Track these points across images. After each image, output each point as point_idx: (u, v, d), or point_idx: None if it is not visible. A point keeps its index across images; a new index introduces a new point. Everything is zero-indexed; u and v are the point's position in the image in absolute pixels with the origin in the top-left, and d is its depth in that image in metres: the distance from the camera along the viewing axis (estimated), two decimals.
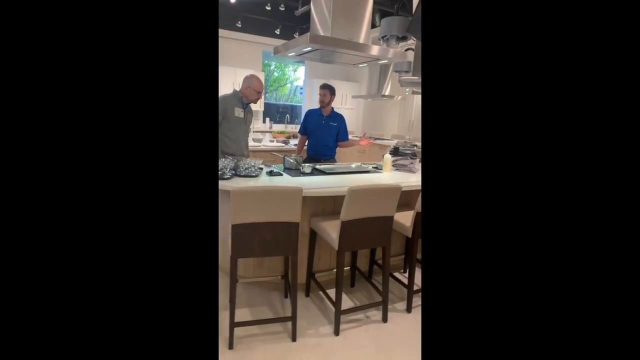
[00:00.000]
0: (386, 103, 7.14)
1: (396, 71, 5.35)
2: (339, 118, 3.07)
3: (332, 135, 3.04)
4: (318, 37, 1.90)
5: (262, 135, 5.29)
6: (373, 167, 2.67)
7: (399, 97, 5.88)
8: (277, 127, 7.09)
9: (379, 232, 1.78)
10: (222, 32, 5.97)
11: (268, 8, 5.19)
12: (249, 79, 2.53)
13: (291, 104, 9.73)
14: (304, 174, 2.26)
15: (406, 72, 5.19)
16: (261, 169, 2.24)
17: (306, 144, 3.16)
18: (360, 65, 2.56)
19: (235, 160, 2.15)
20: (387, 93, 5.67)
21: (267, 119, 7.09)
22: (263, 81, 6.63)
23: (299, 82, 9.91)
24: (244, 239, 1.56)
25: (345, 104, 7.66)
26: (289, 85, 10.59)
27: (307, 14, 5.46)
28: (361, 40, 2.14)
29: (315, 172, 2.32)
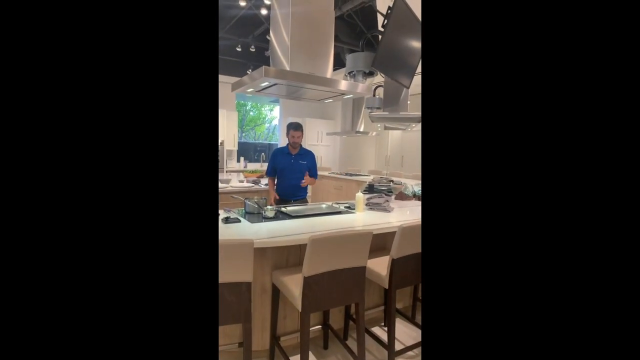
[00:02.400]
0: (362, 139, 7.15)
1: (367, 107, 5.38)
2: (309, 155, 2.91)
3: (302, 175, 2.85)
4: (272, 70, 1.75)
5: (230, 175, 5.06)
6: (345, 207, 2.46)
7: (374, 133, 5.86)
8: (253, 166, 6.90)
9: (351, 285, 1.53)
10: None
11: (239, 49, 5.20)
12: None
13: (269, 142, 9.66)
14: (267, 218, 2.01)
15: (377, 108, 5.22)
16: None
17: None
18: (327, 101, 2.44)
19: None
20: (361, 129, 5.65)
21: (242, 158, 6.90)
22: (236, 120, 6.55)
23: (275, 121, 9.92)
24: None
25: (321, 141, 7.62)
26: (266, 124, 10.59)
27: None
28: (327, 75, 2.02)
29: (280, 215, 2.08)
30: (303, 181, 2.77)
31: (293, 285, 1.54)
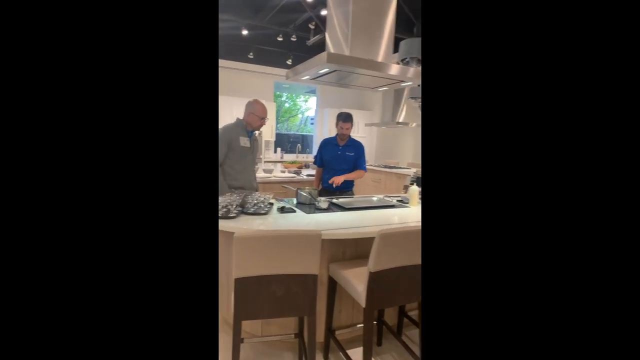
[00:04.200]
0: (400, 130, 6.94)
1: (412, 97, 5.19)
2: (357, 146, 2.82)
3: (349, 166, 2.78)
4: (336, 56, 1.68)
5: (273, 165, 5.08)
6: (397, 201, 2.37)
7: (414, 124, 5.66)
8: (288, 157, 6.92)
9: (415, 283, 1.45)
10: (234, 64, 5.97)
11: (280, 39, 5.17)
12: (252, 105, 2.31)
13: (302, 133, 9.65)
14: (320, 209, 1.97)
15: (420, 97, 5.01)
16: (271, 204, 1.96)
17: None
18: (380, 89, 2.34)
19: (243, 195, 1.88)
20: (401, 120, 5.46)
21: (279, 149, 6.94)
22: (274, 111, 6.57)
23: (309, 112, 9.88)
24: (250, 297, 1.25)
25: (357, 132, 7.48)
26: (299, 115, 10.58)
27: (320, 44, 5.44)
28: (380, 60, 1.92)
29: (333, 207, 2.03)
30: (332, 180, 2.61)
31: (355, 280, 1.49)
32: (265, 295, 1.27)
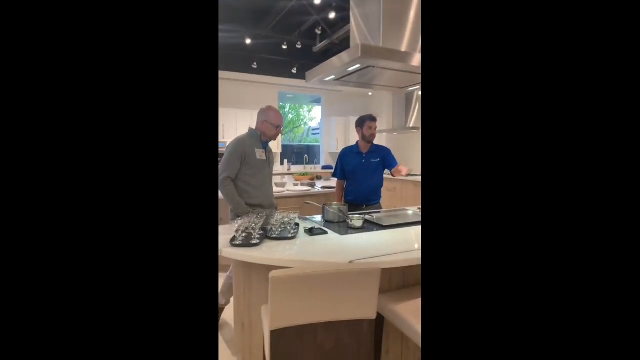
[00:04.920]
0: (411, 136, 6.70)
1: None
2: (381, 150, 2.54)
3: (376, 175, 2.50)
4: (371, 48, 1.43)
5: (284, 178, 4.82)
6: None
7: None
8: (296, 169, 6.67)
9: None
10: (237, 75, 5.78)
11: (284, 47, 4.98)
12: (265, 113, 2.04)
13: (306, 144, 9.44)
14: (354, 228, 1.69)
15: None
16: (297, 225, 1.68)
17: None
18: (410, 89, 2.09)
19: (264, 216, 1.61)
20: (411, 125, 5.22)
21: (285, 161, 6.70)
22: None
23: (312, 122, 9.68)
24: (291, 352, 0.97)
25: (356, 142, 7.25)
26: (303, 126, 10.40)
27: (326, 50, 5.25)
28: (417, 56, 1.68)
29: (368, 225, 1.75)
30: (401, 170, 2.39)
31: (410, 315, 1.20)
32: (310, 349, 0.98)
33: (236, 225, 1.54)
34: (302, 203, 3.30)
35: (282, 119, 2.10)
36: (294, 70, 5.63)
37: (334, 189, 3.53)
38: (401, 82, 1.92)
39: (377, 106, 7.47)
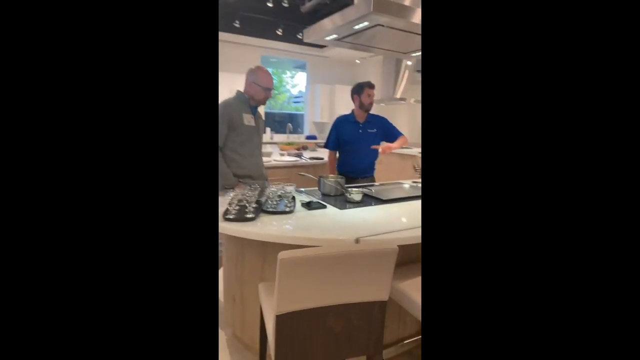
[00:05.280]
0: (395, 107, 6.59)
1: (418, 71, 4.81)
2: (379, 120, 2.43)
3: (375, 144, 2.40)
4: (384, 3, 1.27)
5: (268, 148, 4.65)
6: None
7: (412, 100, 5.32)
8: (278, 138, 6.46)
9: None
10: (219, 35, 5.35)
11: (270, 5, 4.60)
12: (254, 73, 1.83)
13: (289, 112, 9.13)
14: (352, 202, 1.61)
15: None
16: (294, 198, 1.58)
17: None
18: (414, 55, 1.96)
19: (259, 188, 1.49)
20: (398, 95, 5.10)
21: (268, 129, 6.46)
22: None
23: (294, 89, 9.33)
24: (299, 336, 0.90)
25: (349, 110, 7.08)
26: (286, 93, 10.01)
27: (315, 11, 4.91)
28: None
29: (367, 199, 1.67)
30: (380, 149, 2.27)
31: (410, 291, 1.16)
32: (319, 332, 0.91)
33: (229, 198, 1.42)
34: (291, 174, 3.18)
35: (273, 80, 1.92)
36: (280, 32, 5.28)
37: (323, 160, 3.43)
38: (407, 46, 1.78)
39: (364, 75, 7.23)
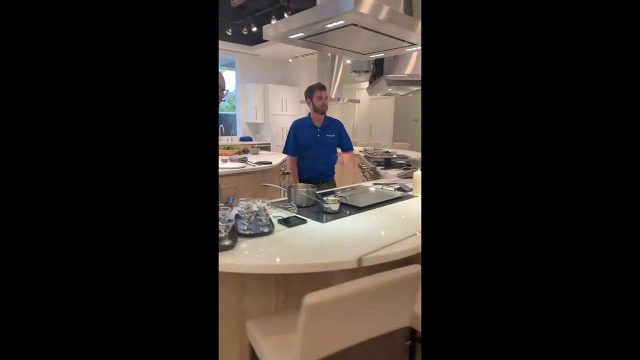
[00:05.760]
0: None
1: (354, 71, 4.88)
2: (336, 125, 2.37)
3: (331, 151, 2.34)
4: (371, 3, 1.18)
5: None
6: (396, 189, 2.04)
7: (345, 100, 5.43)
8: None
9: None
10: None
11: None
12: None
13: (221, 112, 8.58)
14: (330, 213, 1.50)
15: (365, 71, 4.76)
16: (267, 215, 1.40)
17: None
18: (373, 56, 1.92)
19: (228, 207, 1.29)
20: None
21: None
22: None
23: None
24: None
25: (285, 110, 6.95)
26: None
27: (244, 6, 4.63)
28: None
29: (343, 208, 1.58)
30: (341, 160, 2.24)
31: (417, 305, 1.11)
32: None
33: None
34: (238, 182, 2.93)
35: (223, 78, 1.69)
36: (228, 32, 4.88)
37: (272, 165, 3.24)
38: (370, 46, 1.73)
39: (296, 74, 7.15)
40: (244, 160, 3.33)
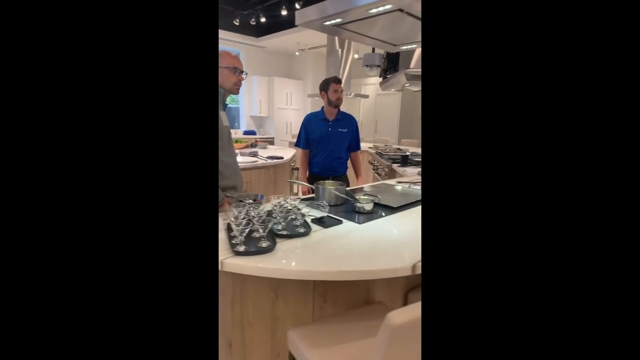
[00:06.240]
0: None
1: (366, 65, 4.78)
2: (349, 121, 2.29)
3: (344, 146, 2.25)
4: None
5: None
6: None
7: (352, 94, 5.33)
8: None
9: None
10: None
11: None
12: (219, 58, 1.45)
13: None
14: (365, 213, 1.41)
15: (377, 66, 4.65)
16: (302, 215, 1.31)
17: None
18: (404, 48, 1.83)
19: (255, 205, 1.19)
20: None
21: None
22: None
23: None
24: None
25: (290, 104, 6.83)
26: None
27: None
28: None
29: (376, 208, 1.49)
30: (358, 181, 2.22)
31: None
32: None
33: (227, 221, 1.10)
34: (251, 177, 2.83)
35: (240, 61, 1.56)
36: (236, 22, 4.74)
37: (284, 160, 3.15)
38: (404, 36, 1.63)
39: (301, 68, 7.02)
40: (255, 155, 3.23)
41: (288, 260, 0.96)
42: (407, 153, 3.46)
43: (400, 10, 1.22)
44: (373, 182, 2.44)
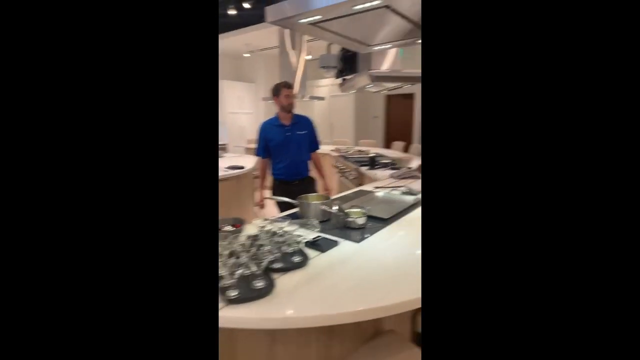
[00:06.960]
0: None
1: (322, 67, 4.68)
2: (306, 123, 2.22)
3: (304, 149, 2.18)
4: None
5: None
6: (404, 192, 1.89)
7: (307, 97, 5.23)
8: None
9: None
10: None
11: None
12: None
13: None
14: (357, 229, 1.29)
15: (334, 67, 4.58)
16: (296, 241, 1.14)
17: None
18: (376, 48, 1.74)
19: (237, 232, 1.01)
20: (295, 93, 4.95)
21: None
22: None
23: None
24: None
25: (242, 108, 6.52)
26: None
27: None
28: None
29: (369, 220, 1.37)
30: (325, 190, 2.16)
31: None
32: None
33: None
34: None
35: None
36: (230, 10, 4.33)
37: (245, 170, 2.92)
38: (383, 37, 1.54)
39: (252, 70, 6.74)
40: None
41: (291, 304, 0.80)
42: (372, 155, 3.43)
43: (387, 7, 1.12)
44: (339, 185, 2.34)
